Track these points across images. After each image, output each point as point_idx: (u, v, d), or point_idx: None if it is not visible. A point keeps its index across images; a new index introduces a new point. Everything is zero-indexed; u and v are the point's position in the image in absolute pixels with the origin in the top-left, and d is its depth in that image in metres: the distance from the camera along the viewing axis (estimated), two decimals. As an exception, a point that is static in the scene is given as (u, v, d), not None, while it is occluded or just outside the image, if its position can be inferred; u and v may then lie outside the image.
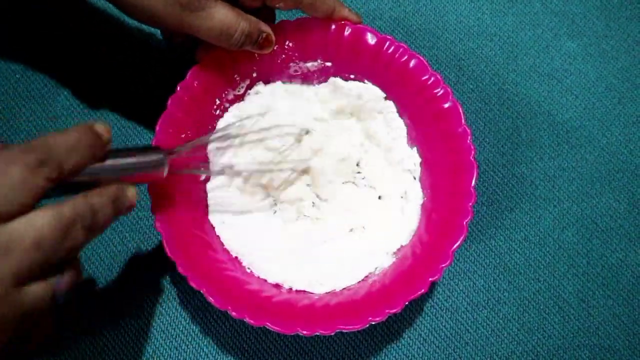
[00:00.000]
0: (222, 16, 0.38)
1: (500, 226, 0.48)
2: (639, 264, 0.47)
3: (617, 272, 0.47)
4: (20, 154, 0.26)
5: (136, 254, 0.47)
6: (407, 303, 0.37)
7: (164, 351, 0.44)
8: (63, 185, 0.29)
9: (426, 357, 0.45)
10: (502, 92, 0.51)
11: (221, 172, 0.44)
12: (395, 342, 0.45)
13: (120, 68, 0.51)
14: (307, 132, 0.46)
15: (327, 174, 0.45)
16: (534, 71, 0.52)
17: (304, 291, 0.42)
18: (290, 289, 0.42)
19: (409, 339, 0.45)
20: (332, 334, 0.37)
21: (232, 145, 0.44)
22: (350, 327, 0.37)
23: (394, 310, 0.37)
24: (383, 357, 0.45)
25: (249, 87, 0.45)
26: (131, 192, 0.33)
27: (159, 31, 0.52)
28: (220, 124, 0.44)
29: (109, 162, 0.32)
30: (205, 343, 0.45)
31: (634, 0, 0.54)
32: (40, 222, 0.26)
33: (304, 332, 0.37)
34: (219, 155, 0.44)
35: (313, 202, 0.46)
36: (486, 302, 0.46)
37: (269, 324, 0.37)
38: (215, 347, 0.45)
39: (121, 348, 0.44)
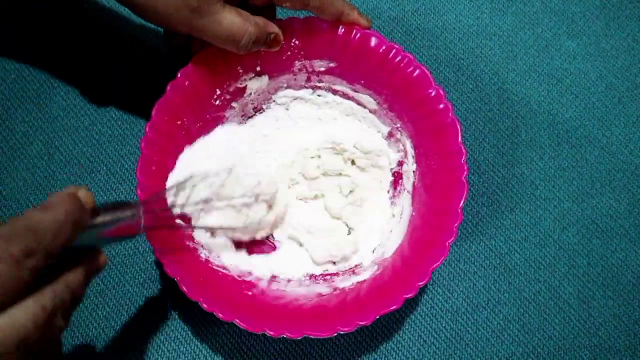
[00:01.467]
0: (230, 22, 0.38)
1: (501, 226, 0.48)
2: (639, 265, 0.47)
3: (617, 272, 0.47)
4: (4, 245, 0.25)
5: (133, 255, 0.46)
6: (378, 317, 0.37)
7: (162, 352, 0.44)
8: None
9: (426, 359, 0.44)
10: (501, 92, 0.51)
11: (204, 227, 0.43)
12: (395, 343, 0.45)
13: (118, 67, 0.51)
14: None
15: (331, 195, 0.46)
16: (534, 70, 0.52)
17: (279, 290, 0.42)
18: (270, 280, 0.42)
19: (409, 340, 0.45)
20: (299, 337, 0.37)
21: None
22: (318, 333, 0.37)
23: (363, 323, 0.37)
24: (382, 358, 0.44)
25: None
26: (102, 258, 0.33)
27: (156, 30, 0.52)
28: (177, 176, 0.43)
29: (88, 230, 0.31)
30: (201, 345, 0.44)
31: (634, -1, 0.54)
32: (23, 319, 0.25)
33: (271, 332, 0.36)
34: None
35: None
36: (486, 302, 0.46)
37: (238, 321, 0.36)
38: (211, 348, 0.44)
39: (116, 349, 0.44)
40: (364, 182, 0.47)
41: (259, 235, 0.45)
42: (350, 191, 0.47)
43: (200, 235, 0.43)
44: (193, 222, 0.42)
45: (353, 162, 0.47)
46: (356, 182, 0.47)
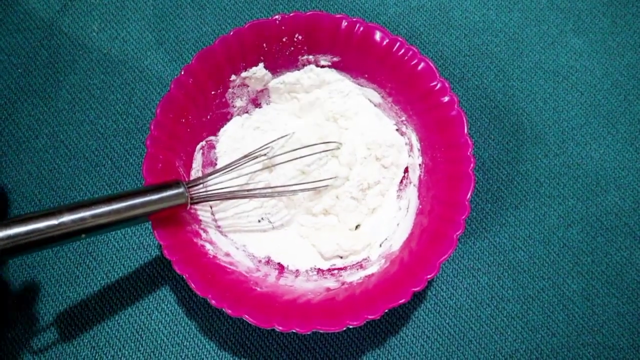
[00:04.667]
0: None
1: (505, 223, 0.48)
2: (644, 263, 0.47)
3: (621, 270, 0.47)
4: None
5: (138, 249, 0.46)
6: (386, 311, 0.37)
7: (166, 347, 0.44)
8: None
9: (429, 355, 0.44)
10: (507, 89, 0.51)
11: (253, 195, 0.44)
12: (398, 339, 0.45)
13: (123, 62, 0.51)
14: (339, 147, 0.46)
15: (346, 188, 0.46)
16: (539, 68, 0.52)
17: (287, 285, 0.42)
18: (278, 275, 0.42)
19: (412, 336, 0.45)
20: (309, 332, 0.37)
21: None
22: (327, 328, 0.37)
23: (372, 317, 0.37)
24: (386, 354, 0.44)
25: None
26: None
27: (163, 25, 0.52)
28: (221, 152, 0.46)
29: (133, 201, 0.36)
30: (206, 339, 0.44)
31: (641, -4, 0.54)
32: None
33: (280, 327, 0.36)
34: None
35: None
36: (490, 299, 0.46)
37: (247, 316, 0.37)
38: (216, 343, 0.44)
39: (122, 344, 0.44)
40: (381, 180, 0.46)
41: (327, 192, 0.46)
42: (362, 190, 0.46)
43: (222, 215, 0.44)
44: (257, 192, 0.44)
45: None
46: (373, 180, 0.46)
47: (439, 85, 0.41)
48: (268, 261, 0.44)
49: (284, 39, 0.42)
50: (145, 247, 0.46)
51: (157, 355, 0.44)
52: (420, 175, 0.44)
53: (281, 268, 0.44)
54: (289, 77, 0.46)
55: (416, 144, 0.44)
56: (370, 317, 0.37)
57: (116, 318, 0.45)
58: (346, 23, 0.42)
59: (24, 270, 0.46)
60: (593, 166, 0.49)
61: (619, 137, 0.50)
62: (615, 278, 0.46)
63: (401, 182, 0.46)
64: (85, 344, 0.44)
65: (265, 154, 0.44)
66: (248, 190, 0.43)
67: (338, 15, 0.43)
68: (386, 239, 0.44)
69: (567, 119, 0.50)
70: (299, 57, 0.45)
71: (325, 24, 0.43)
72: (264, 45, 0.43)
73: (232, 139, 0.46)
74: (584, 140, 0.50)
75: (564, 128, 0.50)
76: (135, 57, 0.51)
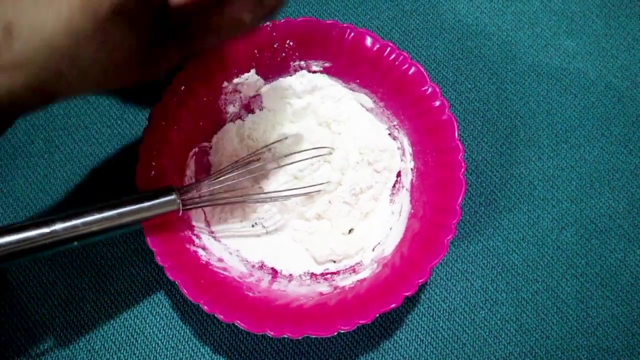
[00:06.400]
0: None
1: (499, 226, 0.48)
2: (638, 265, 0.47)
3: (616, 272, 0.47)
4: None
5: (132, 253, 0.47)
6: (377, 315, 0.37)
7: (161, 351, 0.44)
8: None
9: (423, 358, 0.44)
10: (500, 92, 0.51)
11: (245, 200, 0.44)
12: (392, 342, 0.45)
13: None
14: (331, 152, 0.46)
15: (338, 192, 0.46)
16: (533, 70, 0.52)
17: (280, 290, 0.42)
18: (271, 280, 0.42)
19: (406, 339, 0.45)
20: (300, 337, 0.37)
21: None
22: (319, 333, 0.37)
23: (363, 321, 0.37)
24: (380, 358, 0.44)
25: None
26: None
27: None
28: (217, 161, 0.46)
29: (124, 209, 0.36)
30: (201, 343, 0.45)
31: (634, -2, 0.54)
32: None
33: (272, 333, 0.37)
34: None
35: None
36: (484, 302, 0.46)
37: (239, 322, 0.37)
38: (210, 347, 0.45)
39: (118, 347, 0.44)
40: (374, 184, 0.46)
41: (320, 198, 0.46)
42: (355, 195, 0.46)
43: (215, 220, 0.44)
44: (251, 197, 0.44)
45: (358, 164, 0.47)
46: (365, 185, 0.46)
47: (429, 90, 0.42)
48: (261, 266, 0.44)
49: (276, 45, 0.43)
50: (140, 251, 0.47)
51: (152, 359, 0.44)
52: (412, 180, 0.44)
53: (274, 273, 0.44)
54: (281, 82, 0.46)
55: (408, 149, 0.44)
56: (361, 322, 0.37)
57: (111, 322, 0.45)
58: (337, 29, 0.43)
59: (18, 274, 0.46)
60: (587, 168, 0.49)
61: (613, 139, 0.50)
62: (609, 280, 0.47)
63: (394, 186, 0.46)
64: (81, 347, 0.44)
65: (258, 159, 0.45)
66: (241, 196, 0.44)
67: (329, 22, 0.43)
68: (379, 243, 0.44)
69: (560, 121, 0.50)
70: (291, 63, 0.45)
71: (316, 30, 0.43)
72: (256, 51, 0.43)
73: (225, 145, 0.46)
74: (577, 143, 0.50)
75: (557, 130, 0.50)
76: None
